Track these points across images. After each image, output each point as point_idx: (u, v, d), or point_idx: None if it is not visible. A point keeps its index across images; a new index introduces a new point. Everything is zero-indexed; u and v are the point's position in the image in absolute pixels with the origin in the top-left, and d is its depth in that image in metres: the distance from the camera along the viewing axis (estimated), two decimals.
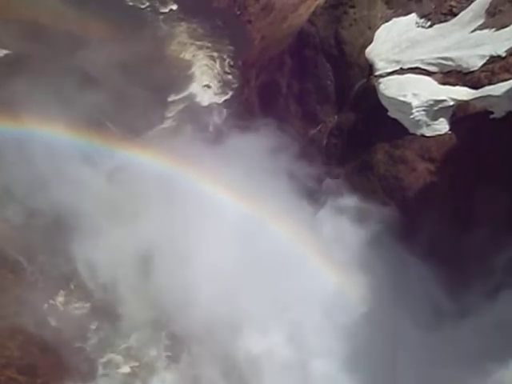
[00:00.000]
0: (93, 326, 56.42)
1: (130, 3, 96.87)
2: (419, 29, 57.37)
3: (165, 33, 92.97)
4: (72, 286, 58.52)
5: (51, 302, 57.07)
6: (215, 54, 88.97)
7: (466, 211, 47.51)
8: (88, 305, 57.67)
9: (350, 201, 54.66)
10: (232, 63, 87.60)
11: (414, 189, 52.29)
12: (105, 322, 56.63)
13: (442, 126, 51.34)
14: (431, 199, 50.86)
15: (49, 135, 62.39)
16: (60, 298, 57.54)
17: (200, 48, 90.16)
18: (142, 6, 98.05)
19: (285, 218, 56.77)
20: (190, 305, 52.78)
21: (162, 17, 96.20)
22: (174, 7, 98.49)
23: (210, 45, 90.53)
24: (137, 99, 72.66)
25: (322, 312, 51.22)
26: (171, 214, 57.64)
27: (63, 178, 59.51)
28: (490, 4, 53.97)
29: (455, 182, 49.15)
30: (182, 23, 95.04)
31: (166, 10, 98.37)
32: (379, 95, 54.71)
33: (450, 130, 51.13)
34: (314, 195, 59.69)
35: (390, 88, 54.00)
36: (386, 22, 59.68)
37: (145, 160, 63.13)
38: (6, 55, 64.85)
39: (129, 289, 56.32)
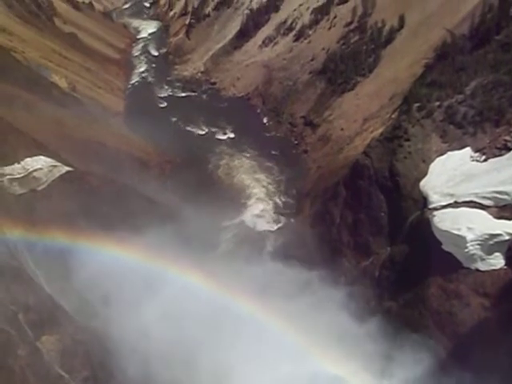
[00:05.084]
0: None
1: (189, 129, 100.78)
2: (474, 163, 57.65)
3: (222, 159, 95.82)
4: None
5: None
6: (271, 182, 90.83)
7: None
8: None
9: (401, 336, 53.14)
10: (287, 192, 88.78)
11: (467, 325, 50.64)
12: None
13: (498, 261, 50.31)
14: (484, 336, 48.95)
15: (106, 253, 63.06)
16: None
17: (256, 175, 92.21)
18: (201, 133, 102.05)
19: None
20: None
21: (220, 144, 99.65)
22: (232, 135, 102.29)
23: (265, 173, 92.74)
24: (192, 222, 73.46)
25: None
26: None
27: (121, 296, 59.34)
28: None
29: (510, 320, 47.34)
30: (240, 150, 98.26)
31: (224, 138, 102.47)
32: (433, 228, 54.44)
33: (505, 264, 50.04)
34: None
35: (445, 221, 53.74)
36: (441, 155, 60.32)
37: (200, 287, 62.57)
38: (67, 172, 67.05)
39: None
